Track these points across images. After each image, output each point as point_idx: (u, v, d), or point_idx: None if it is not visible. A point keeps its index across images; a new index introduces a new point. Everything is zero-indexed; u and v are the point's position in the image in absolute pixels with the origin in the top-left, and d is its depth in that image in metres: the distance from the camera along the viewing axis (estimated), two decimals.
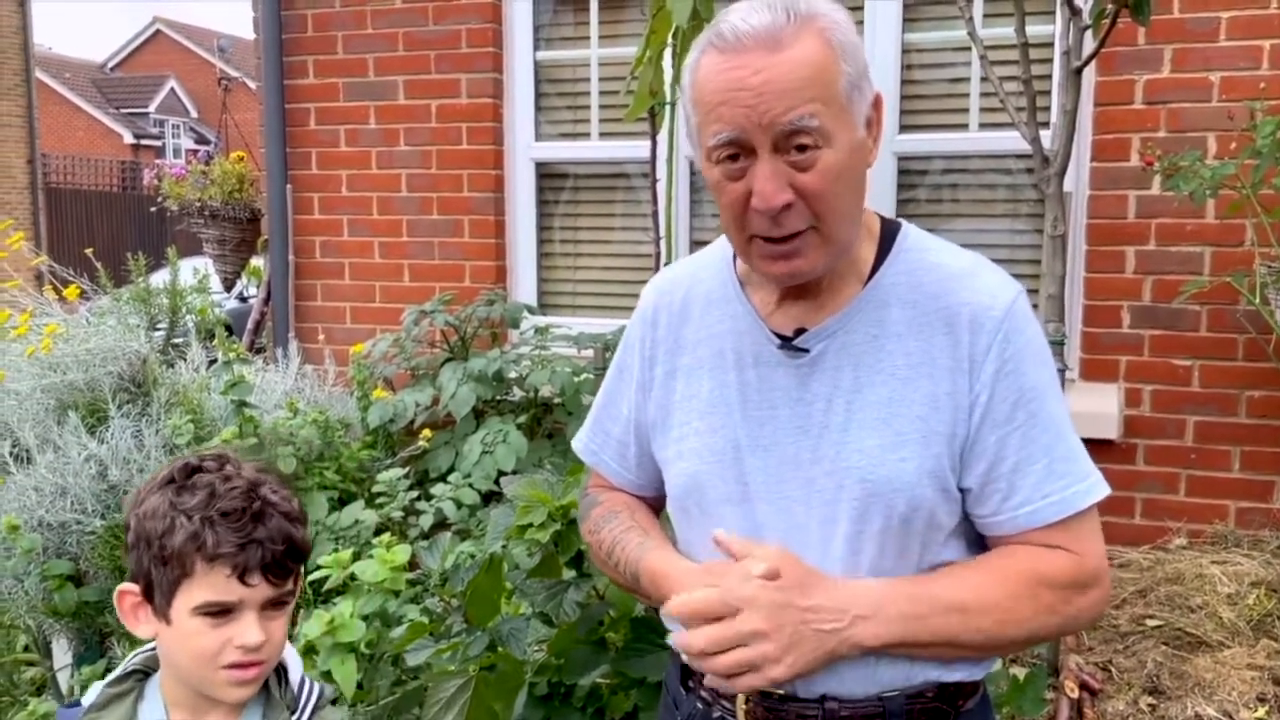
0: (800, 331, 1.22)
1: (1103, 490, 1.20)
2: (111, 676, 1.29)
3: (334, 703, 1.39)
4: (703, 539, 1.26)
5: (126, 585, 1.26)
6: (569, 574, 2.04)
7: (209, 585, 1.19)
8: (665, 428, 1.32)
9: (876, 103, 1.19)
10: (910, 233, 1.27)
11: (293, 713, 1.29)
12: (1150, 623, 2.78)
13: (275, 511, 1.22)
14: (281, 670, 1.31)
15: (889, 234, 1.26)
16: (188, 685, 1.25)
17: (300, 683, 1.33)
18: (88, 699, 1.28)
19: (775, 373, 1.23)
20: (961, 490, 1.20)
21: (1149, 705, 2.49)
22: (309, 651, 2.09)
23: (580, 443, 1.47)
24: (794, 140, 1.11)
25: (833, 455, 1.19)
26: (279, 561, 1.21)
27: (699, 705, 1.30)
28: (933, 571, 1.20)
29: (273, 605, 1.23)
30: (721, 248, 1.35)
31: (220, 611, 1.19)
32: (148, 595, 1.23)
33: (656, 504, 1.42)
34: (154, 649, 1.30)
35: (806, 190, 1.12)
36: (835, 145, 1.12)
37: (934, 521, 1.19)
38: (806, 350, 1.21)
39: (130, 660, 1.30)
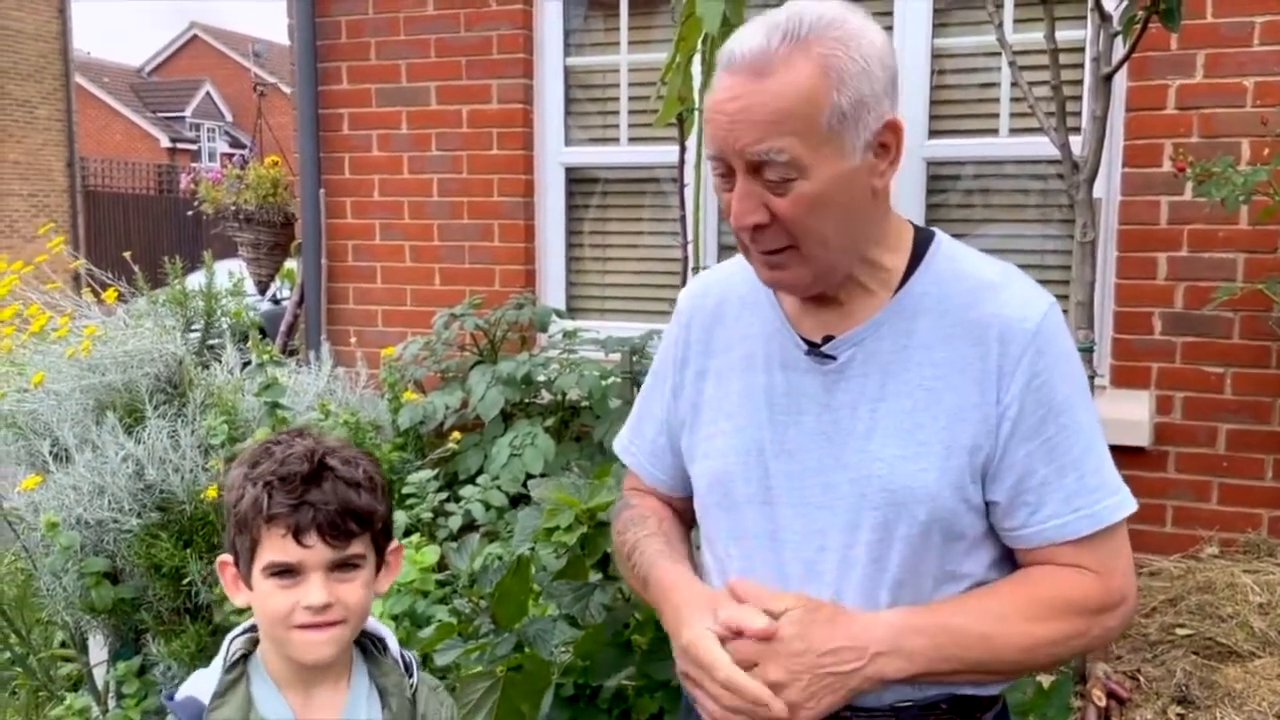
0: (829, 338, 1.23)
1: (1131, 505, 1.19)
2: (225, 662, 1.33)
3: None
4: (725, 537, 1.28)
5: (224, 556, 1.34)
6: (595, 576, 2.06)
7: (271, 546, 1.25)
8: (694, 427, 1.34)
9: (892, 127, 1.16)
10: (943, 243, 1.26)
11: (409, 673, 1.38)
12: (1180, 632, 2.76)
13: (334, 476, 1.27)
14: (380, 643, 1.39)
15: (921, 243, 1.25)
16: (280, 653, 1.31)
17: (399, 652, 1.40)
18: (198, 689, 1.32)
19: (803, 378, 1.24)
20: (989, 503, 1.19)
21: (1178, 715, 2.48)
22: None
23: (620, 443, 1.50)
24: (763, 170, 1.12)
25: (856, 463, 1.19)
26: (332, 523, 1.25)
27: None
28: (955, 599, 1.20)
29: (341, 567, 1.28)
30: None
31: (284, 572, 1.26)
32: (237, 565, 1.31)
33: (687, 508, 1.44)
34: (245, 632, 1.36)
35: (780, 215, 1.14)
36: (811, 177, 1.12)
37: (955, 531, 1.18)
38: (834, 357, 1.22)
39: (232, 647, 1.35)
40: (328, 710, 1.33)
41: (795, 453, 1.23)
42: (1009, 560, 1.24)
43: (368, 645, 1.39)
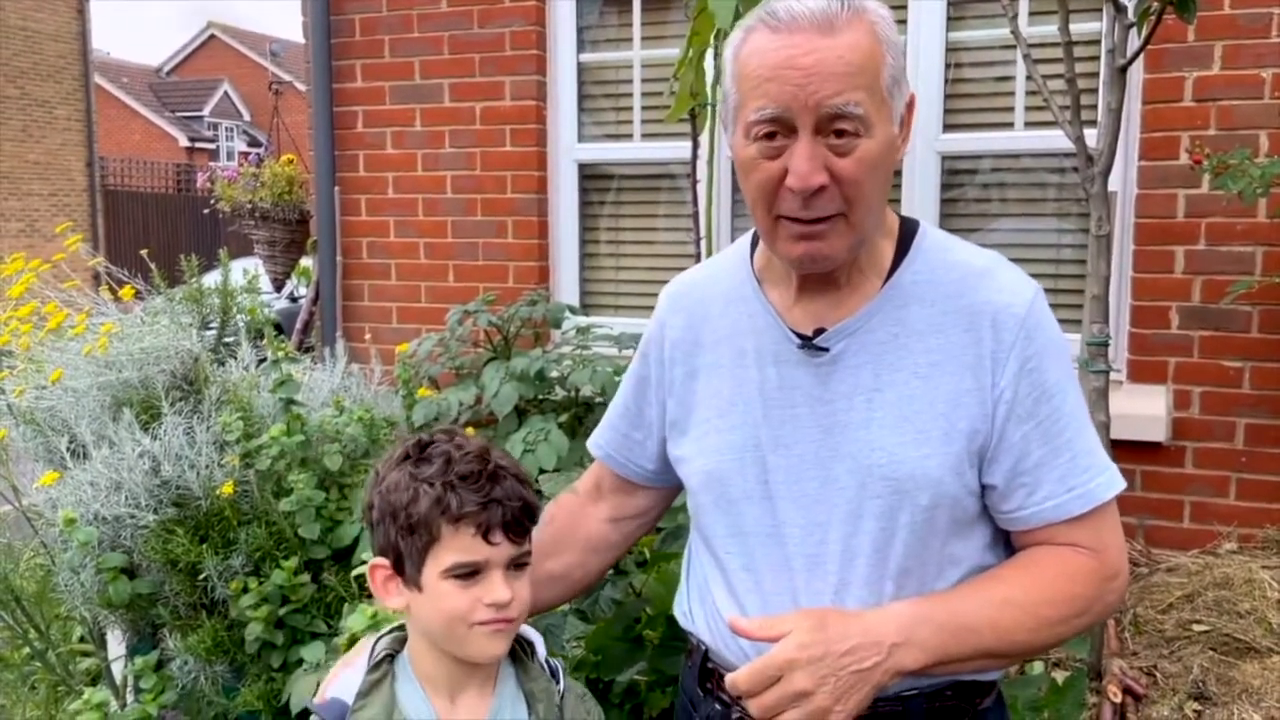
0: (820, 330, 1.23)
1: (1121, 483, 1.22)
2: (370, 663, 1.32)
3: None
4: (724, 534, 1.29)
5: (377, 560, 1.31)
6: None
7: (456, 547, 1.24)
8: (686, 426, 1.34)
9: (910, 103, 1.21)
10: (929, 232, 1.28)
11: (555, 680, 1.36)
12: (1197, 628, 2.74)
13: (507, 473, 1.27)
14: (529, 646, 1.37)
15: (907, 233, 1.27)
16: (442, 650, 1.29)
17: (546, 658, 1.39)
18: (342, 691, 1.30)
19: (795, 371, 1.24)
20: (985, 486, 1.21)
21: (1194, 711, 2.46)
22: (352, 644, 2.13)
23: (592, 440, 1.52)
24: (836, 124, 1.13)
25: (854, 453, 1.20)
26: (517, 519, 1.26)
27: (717, 706, 1.31)
28: (959, 587, 1.21)
29: (515, 565, 1.27)
30: (738, 249, 1.37)
31: (469, 573, 1.24)
32: (397, 567, 1.28)
33: (660, 501, 1.51)
34: (391, 632, 1.35)
35: (842, 176, 1.14)
36: (874, 135, 1.14)
37: (956, 515, 1.20)
38: (826, 349, 1.22)
39: (377, 647, 1.34)
40: (473, 714, 1.30)
41: (792, 446, 1.23)
42: (1003, 541, 1.26)
43: (515, 649, 1.36)
